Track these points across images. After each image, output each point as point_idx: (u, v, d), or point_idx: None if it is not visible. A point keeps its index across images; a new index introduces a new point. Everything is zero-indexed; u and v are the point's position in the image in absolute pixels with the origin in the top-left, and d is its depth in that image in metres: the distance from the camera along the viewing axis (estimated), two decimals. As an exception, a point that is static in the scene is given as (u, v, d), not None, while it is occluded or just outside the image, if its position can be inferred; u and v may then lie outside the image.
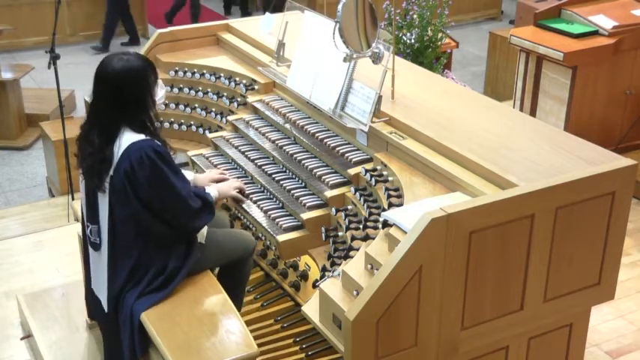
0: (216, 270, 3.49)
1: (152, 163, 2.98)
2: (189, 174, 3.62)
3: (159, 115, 3.24)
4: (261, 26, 4.56)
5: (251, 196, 3.58)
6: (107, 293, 3.15)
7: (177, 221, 3.09)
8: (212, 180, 3.58)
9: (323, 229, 3.28)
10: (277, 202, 3.51)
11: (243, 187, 3.57)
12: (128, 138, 3.01)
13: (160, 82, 3.24)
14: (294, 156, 3.63)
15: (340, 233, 3.21)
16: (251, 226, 3.60)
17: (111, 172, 3.01)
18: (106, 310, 3.18)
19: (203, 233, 3.29)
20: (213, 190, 3.37)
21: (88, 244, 3.25)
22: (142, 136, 3.02)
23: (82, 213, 3.26)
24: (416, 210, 2.72)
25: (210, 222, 3.44)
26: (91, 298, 3.43)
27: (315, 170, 3.49)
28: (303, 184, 3.52)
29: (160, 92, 3.25)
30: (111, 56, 3.07)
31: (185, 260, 3.15)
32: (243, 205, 3.53)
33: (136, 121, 3.04)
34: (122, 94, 3.00)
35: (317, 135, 3.63)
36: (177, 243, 3.14)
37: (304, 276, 3.52)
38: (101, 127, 3.03)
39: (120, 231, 3.07)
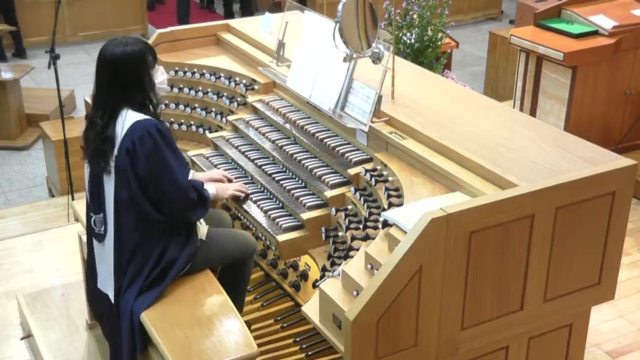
0: (218, 271, 3.50)
1: (154, 141, 3.02)
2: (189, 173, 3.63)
3: (160, 98, 3.29)
4: (261, 26, 4.56)
5: (251, 196, 3.58)
6: (114, 284, 3.15)
7: (170, 206, 3.09)
8: (211, 179, 3.57)
9: (323, 229, 3.28)
10: (277, 202, 3.51)
11: (244, 190, 3.54)
12: (132, 117, 3.06)
13: (161, 67, 3.28)
14: (294, 156, 3.63)
15: (340, 233, 3.21)
16: (251, 226, 3.60)
17: (115, 152, 3.04)
18: (112, 301, 3.18)
19: (204, 231, 3.29)
20: (211, 188, 3.36)
21: (92, 237, 3.26)
22: (145, 116, 3.07)
23: (87, 204, 3.27)
24: (416, 210, 2.72)
25: (213, 221, 3.44)
26: (93, 298, 3.42)
27: (315, 170, 3.49)
28: (303, 184, 3.52)
29: (161, 77, 3.28)
30: (110, 41, 3.15)
31: (182, 251, 3.16)
32: (243, 206, 3.53)
33: (136, 101, 3.10)
34: (121, 75, 3.07)
35: (317, 135, 3.63)
36: (176, 233, 3.15)
37: (304, 276, 3.52)
38: (103, 108, 3.10)
39: (123, 216, 3.09)
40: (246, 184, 3.64)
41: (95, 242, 3.25)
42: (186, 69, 4.45)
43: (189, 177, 3.50)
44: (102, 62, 3.10)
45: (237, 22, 4.83)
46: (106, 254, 3.19)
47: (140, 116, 3.06)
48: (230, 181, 3.62)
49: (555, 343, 3.09)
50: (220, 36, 4.71)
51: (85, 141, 3.20)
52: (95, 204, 3.19)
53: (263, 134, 3.89)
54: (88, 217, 3.27)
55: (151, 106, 3.15)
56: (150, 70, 3.15)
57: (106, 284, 3.23)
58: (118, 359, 3.24)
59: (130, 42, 3.12)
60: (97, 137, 3.09)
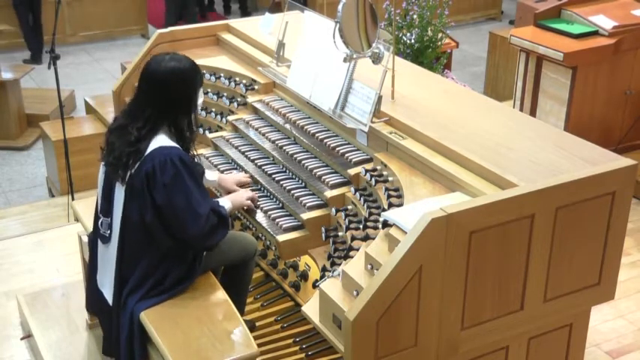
0: (219, 274, 3.49)
1: (175, 170, 2.96)
2: (213, 174, 3.60)
3: (199, 121, 3.23)
4: (261, 26, 4.56)
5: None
6: (113, 287, 3.15)
7: (187, 237, 3.03)
8: (238, 183, 3.55)
9: (323, 229, 3.28)
10: (277, 202, 3.51)
11: (255, 197, 3.49)
12: (159, 141, 3.01)
13: (201, 89, 3.23)
14: (294, 156, 3.63)
15: (340, 233, 3.21)
16: (251, 226, 3.60)
17: (133, 170, 3.00)
18: (110, 303, 3.18)
19: None
20: (226, 203, 3.30)
21: (97, 235, 3.25)
22: (171, 143, 3.02)
23: (97, 204, 3.25)
24: (416, 210, 2.72)
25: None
26: (91, 291, 3.42)
27: (315, 170, 3.49)
28: (303, 184, 3.52)
29: (200, 99, 3.24)
30: (162, 54, 3.12)
31: (187, 274, 3.14)
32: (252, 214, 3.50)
33: (177, 122, 3.06)
34: (169, 93, 3.03)
35: (317, 135, 3.63)
36: (182, 254, 3.11)
37: (304, 276, 3.52)
38: (144, 122, 3.03)
39: (131, 230, 3.06)
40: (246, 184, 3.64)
41: (99, 242, 3.25)
42: (186, 69, 4.45)
43: (215, 178, 3.47)
44: (153, 76, 3.04)
45: (237, 22, 4.83)
46: (108, 257, 3.18)
47: (167, 142, 3.01)
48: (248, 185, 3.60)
49: (555, 343, 3.09)
50: (220, 36, 4.71)
51: (107, 145, 3.12)
52: (105, 206, 3.17)
53: (263, 134, 3.89)
54: (96, 217, 3.25)
55: (188, 130, 3.10)
56: (197, 92, 3.12)
57: (104, 283, 3.23)
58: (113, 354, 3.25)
59: (183, 59, 3.09)
60: (126, 146, 3.01)
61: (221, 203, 3.25)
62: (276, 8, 9.17)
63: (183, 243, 3.06)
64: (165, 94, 3.03)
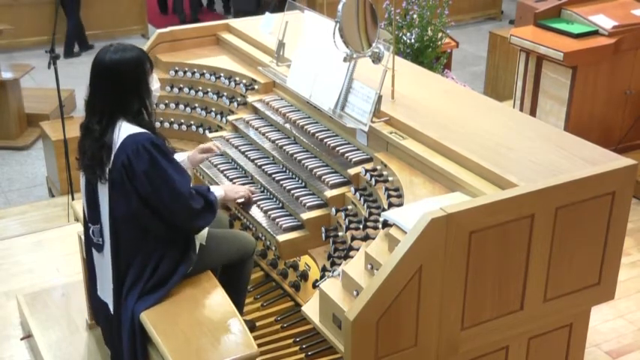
0: (218, 272, 3.49)
1: (149, 154, 2.97)
2: (181, 154, 3.60)
3: (155, 111, 3.25)
4: (261, 26, 4.56)
5: (253, 198, 3.56)
6: (113, 294, 3.14)
7: (175, 219, 3.06)
8: (201, 151, 3.57)
9: (323, 229, 3.28)
10: (277, 202, 3.51)
11: (250, 195, 3.50)
12: (126, 130, 3.02)
13: (154, 75, 3.24)
14: (294, 156, 3.63)
15: (340, 233, 3.21)
16: (251, 226, 3.59)
17: (109, 165, 3.01)
18: (112, 312, 3.17)
19: (203, 234, 3.27)
20: (219, 190, 3.32)
21: (91, 246, 3.24)
22: (139, 129, 3.03)
23: (84, 215, 3.26)
24: (416, 210, 2.72)
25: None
26: (95, 303, 3.41)
27: (315, 170, 3.48)
28: (303, 184, 3.52)
29: (156, 84, 3.25)
30: (107, 47, 3.11)
31: (180, 261, 3.14)
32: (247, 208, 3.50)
33: (132, 109, 3.06)
34: (119, 82, 3.03)
35: (317, 135, 3.63)
36: (174, 243, 3.13)
37: (304, 276, 3.52)
38: (100, 115, 3.05)
39: (121, 228, 3.06)
40: (245, 184, 3.63)
41: (94, 251, 3.24)
42: (186, 69, 4.45)
43: (184, 158, 3.47)
44: (100, 68, 3.05)
45: (237, 22, 4.83)
46: (104, 264, 3.17)
47: (134, 129, 3.02)
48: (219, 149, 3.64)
49: (555, 343, 3.09)
50: (220, 36, 4.71)
51: (80, 151, 3.14)
52: (92, 214, 3.17)
53: (263, 134, 3.89)
54: (86, 227, 3.25)
55: (146, 115, 3.11)
56: (147, 76, 3.12)
57: (105, 293, 3.22)
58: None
59: (128, 48, 3.09)
60: (94, 143, 3.04)
61: (212, 189, 3.26)
62: (277, 8, 9.18)
63: (173, 225, 3.07)
64: (115, 86, 3.04)
